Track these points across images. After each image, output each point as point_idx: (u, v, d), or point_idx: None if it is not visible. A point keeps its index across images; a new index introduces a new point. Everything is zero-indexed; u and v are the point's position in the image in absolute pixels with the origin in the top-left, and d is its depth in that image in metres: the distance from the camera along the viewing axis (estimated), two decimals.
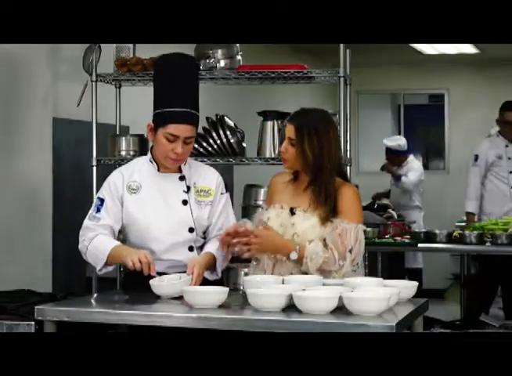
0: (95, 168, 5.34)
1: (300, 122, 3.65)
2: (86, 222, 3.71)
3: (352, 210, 3.63)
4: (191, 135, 3.64)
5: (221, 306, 3.25)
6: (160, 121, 3.63)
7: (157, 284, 3.46)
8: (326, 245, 3.57)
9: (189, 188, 3.72)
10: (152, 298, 3.45)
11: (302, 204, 3.66)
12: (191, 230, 3.69)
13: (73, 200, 5.86)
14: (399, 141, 8.97)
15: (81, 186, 5.81)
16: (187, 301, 3.28)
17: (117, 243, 3.66)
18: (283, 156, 3.69)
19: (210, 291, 3.30)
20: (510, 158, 7.21)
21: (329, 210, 3.59)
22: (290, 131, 3.67)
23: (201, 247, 3.75)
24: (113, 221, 3.69)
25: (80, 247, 3.70)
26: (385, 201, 8.63)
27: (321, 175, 3.61)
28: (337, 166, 3.67)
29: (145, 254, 3.52)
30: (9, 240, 5.33)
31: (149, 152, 3.81)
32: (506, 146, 7.23)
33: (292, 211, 3.67)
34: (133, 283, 3.70)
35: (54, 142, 5.78)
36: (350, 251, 3.57)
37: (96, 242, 3.64)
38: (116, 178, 3.75)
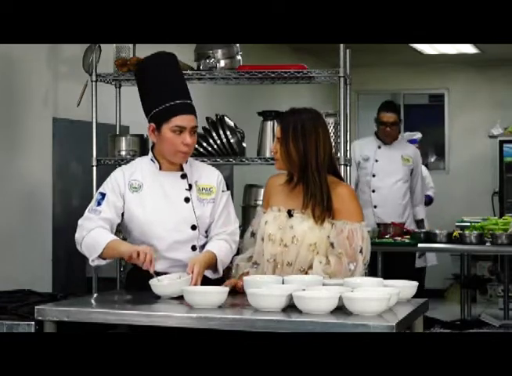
0: (95, 168, 5.34)
1: (286, 122, 3.64)
2: (86, 213, 3.72)
3: (352, 209, 3.60)
4: (195, 124, 3.68)
5: (221, 306, 3.25)
6: (162, 117, 3.65)
7: (157, 284, 3.46)
8: (327, 256, 3.55)
9: (190, 186, 3.73)
10: (152, 298, 3.45)
11: (298, 205, 3.63)
12: (193, 228, 3.70)
13: (73, 200, 5.85)
14: (418, 135, 8.94)
15: (81, 186, 5.81)
16: (187, 301, 3.28)
17: (116, 237, 3.67)
18: (275, 156, 3.68)
19: (210, 291, 3.30)
20: (377, 160, 6.93)
21: (321, 209, 3.56)
22: (277, 130, 3.67)
23: (204, 247, 3.74)
24: (113, 215, 3.69)
25: (76, 236, 3.69)
26: None
27: (307, 174, 3.58)
28: (328, 165, 3.63)
29: (149, 249, 3.51)
30: (9, 240, 5.33)
31: (150, 151, 3.82)
32: (379, 147, 6.97)
33: (290, 214, 3.65)
34: (135, 283, 3.70)
35: (54, 142, 5.77)
36: (361, 252, 3.55)
37: (95, 233, 3.63)
38: (118, 176, 3.76)
